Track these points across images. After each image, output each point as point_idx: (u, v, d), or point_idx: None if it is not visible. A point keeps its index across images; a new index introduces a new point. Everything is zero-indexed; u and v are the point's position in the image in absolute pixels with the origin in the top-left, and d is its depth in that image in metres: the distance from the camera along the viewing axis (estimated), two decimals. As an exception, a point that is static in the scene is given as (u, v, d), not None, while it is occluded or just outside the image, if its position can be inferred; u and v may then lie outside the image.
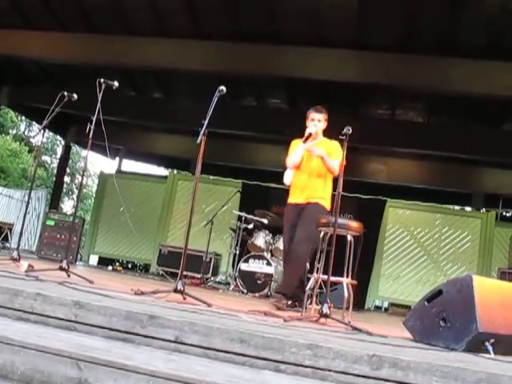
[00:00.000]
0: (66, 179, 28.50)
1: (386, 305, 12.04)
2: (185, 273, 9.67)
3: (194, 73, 9.13)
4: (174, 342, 2.35)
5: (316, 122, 5.35)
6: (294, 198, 5.44)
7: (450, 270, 10.97)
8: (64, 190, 28.15)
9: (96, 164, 25.96)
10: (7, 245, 10.41)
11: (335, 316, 3.67)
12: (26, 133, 25.63)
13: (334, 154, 5.17)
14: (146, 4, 8.25)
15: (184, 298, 3.76)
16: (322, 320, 3.57)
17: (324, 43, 8.00)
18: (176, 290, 3.73)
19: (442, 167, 11.99)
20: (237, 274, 8.28)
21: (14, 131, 25.38)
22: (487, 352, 2.86)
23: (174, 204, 12.43)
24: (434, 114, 10.31)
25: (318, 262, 4.42)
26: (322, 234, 4.39)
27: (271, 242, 8.59)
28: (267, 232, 8.65)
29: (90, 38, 9.03)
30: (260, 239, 8.55)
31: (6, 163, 20.38)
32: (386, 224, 11.28)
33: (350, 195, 9.52)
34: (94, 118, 4.64)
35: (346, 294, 4.17)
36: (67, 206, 28.92)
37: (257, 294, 7.88)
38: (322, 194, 5.29)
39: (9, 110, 19.11)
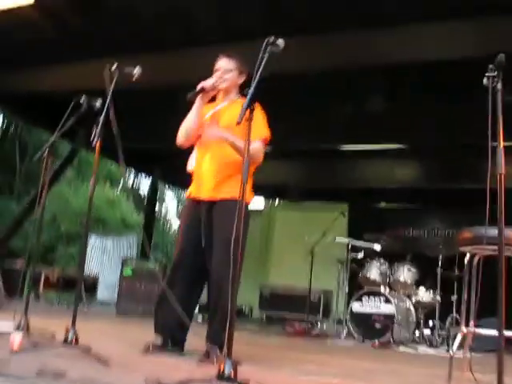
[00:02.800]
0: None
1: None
2: (288, 316, 8.30)
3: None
4: None
5: (219, 73, 3.55)
6: (194, 192, 3.59)
7: None
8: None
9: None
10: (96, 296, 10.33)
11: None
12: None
13: (253, 129, 2.67)
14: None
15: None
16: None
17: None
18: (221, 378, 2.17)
19: None
20: (348, 317, 6.60)
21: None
22: None
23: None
24: None
25: (467, 304, 2.69)
26: (468, 256, 2.64)
27: (388, 272, 7.02)
28: (382, 261, 7.12)
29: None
30: (373, 270, 7.05)
31: (103, 212, 19.41)
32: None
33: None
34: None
35: None
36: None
37: (376, 342, 6.16)
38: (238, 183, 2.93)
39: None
